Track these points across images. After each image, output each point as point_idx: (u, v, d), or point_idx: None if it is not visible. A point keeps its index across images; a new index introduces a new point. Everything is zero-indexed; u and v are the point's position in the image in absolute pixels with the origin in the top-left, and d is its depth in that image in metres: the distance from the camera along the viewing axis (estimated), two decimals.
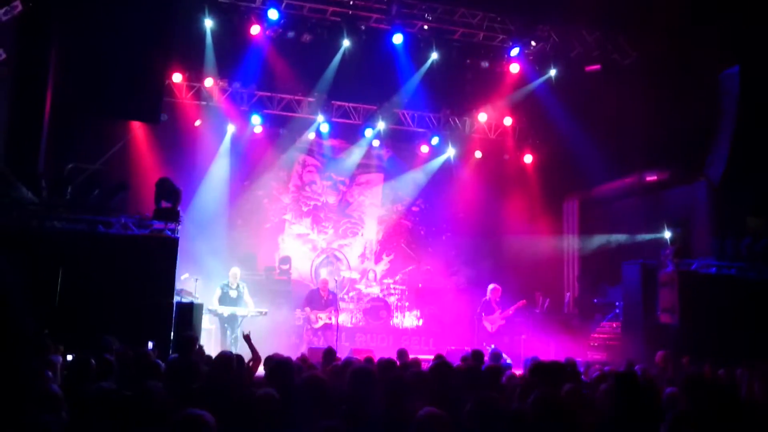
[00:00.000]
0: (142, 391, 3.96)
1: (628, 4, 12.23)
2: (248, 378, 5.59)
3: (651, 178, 14.15)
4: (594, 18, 13.30)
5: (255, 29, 13.25)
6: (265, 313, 11.62)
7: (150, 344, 7.63)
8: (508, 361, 9.89)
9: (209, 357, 6.75)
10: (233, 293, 11.52)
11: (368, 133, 15.60)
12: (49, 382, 4.21)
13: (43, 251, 8.70)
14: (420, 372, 5.77)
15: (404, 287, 14.99)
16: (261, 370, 6.51)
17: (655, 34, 12.56)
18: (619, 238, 14.20)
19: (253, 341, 7.05)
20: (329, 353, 6.88)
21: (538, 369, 4.91)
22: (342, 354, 10.66)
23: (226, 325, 11.36)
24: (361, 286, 14.74)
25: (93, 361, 4.95)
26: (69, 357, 5.50)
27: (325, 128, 15.28)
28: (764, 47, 11.83)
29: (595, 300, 14.75)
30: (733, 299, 10.97)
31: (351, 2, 13.23)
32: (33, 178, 9.78)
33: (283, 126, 15.13)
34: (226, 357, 4.93)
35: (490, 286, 12.69)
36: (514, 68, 14.67)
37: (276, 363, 4.56)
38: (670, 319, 11.17)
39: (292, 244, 15.63)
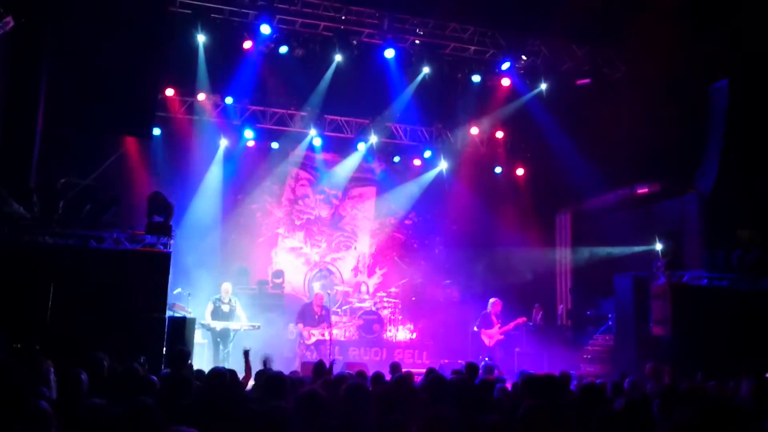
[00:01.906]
0: (132, 407, 3.94)
1: (617, 19, 12.35)
2: (239, 392, 5.58)
3: (642, 190, 14.23)
4: (583, 32, 13.42)
5: (247, 44, 13.28)
6: (258, 327, 11.59)
7: (141, 359, 7.58)
8: (502, 375, 9.89)
9: (200, 372, 6.73)
10: (225, 307, 11.50)
11: (361, 146, 15.64)
12: (38, 399, 4.18)
13: (34, 266, 8.67)
14: (412, 386, 5.76)
15: (397, 300, 14.96)
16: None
17: (644, 48, 12.68)
18: (611, 250, 14.24)
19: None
20: (319, 367, 6.85)
21: (527, 382, 4.91)
22: (335, 368, 10.67)
23: (218, 339, 11.32)
24: (354, 300, 14.71)
25: (83, 376, 4.93)
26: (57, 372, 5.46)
27: (317, 142, 15.32)
28: (752, 61, 11.97)
29: (588, 312, 14.77)
30: (724, 311, 11.01)
31: (343, 17, 13.32)
32: (25, 193, 9.75)
33: (275, 140, 15.17)
34: (219, 372, 4.91)
35: (491, 300, 12.65)
36: (505, 82, 14.77)
37: (267, 378, 4.56)
38: (663, 331, 11.19)
39: (285, 258, 15.62)
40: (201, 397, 4.70)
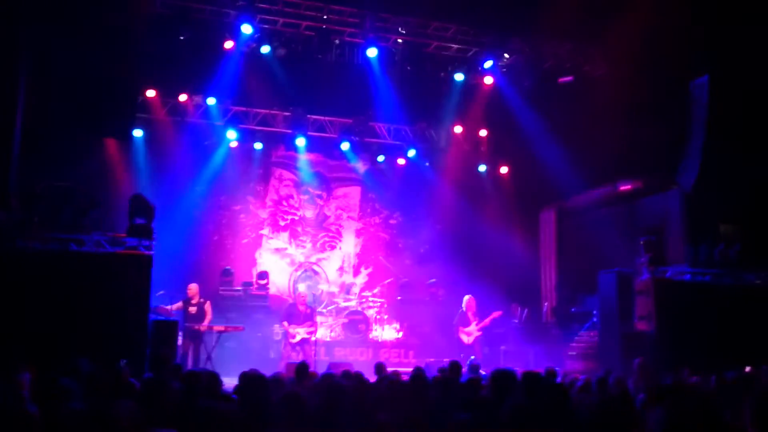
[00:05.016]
0: (112, 410, 3.89)
1: (598, 17, 12.39)
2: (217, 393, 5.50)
3: (625, 187, 14.30)
4: (565, 30, 13.45)
5: (229, 44, 13.21)
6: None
7: (122, 362, 7.52)
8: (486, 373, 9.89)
9: (183, 374, 6.68)
10: (192, 309, 11.47)
11: (345, 146, 15.60)
12: (25, 403, 4.12)
13: (14, 270, 8.57)
14: (396, 385, 5.75)
15: (383, 300, 14.95)
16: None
17: (625, 45, 12.73)
18: (595, 247, 14.29)
19: (230, 357, 7.02)
20: (302, 368, 6.81)
21: (498, 378, 4.91)
22: (321, 368, 10.64)
23: (199, 341, 11.27)
24: (340, 300, 14.68)
25: (62, 381, 4.86)
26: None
27: (301, 142, 15.25)
28: (732, 56, 12.06)
29: (573, 309, 14.83)
30: (707, 305, 11.12)
31: (325, 16, 13.26)
32: (4, 196, 9.65)
33: (258, 140, 15.11)
34: (194, 374, 4.87)
35: (466, 297, 12.66)
36: (488, 80, 14.79)
37: (249, 379, 4.52)
38: (647, 327, 11.26)
39: (269, 259, 15.56)
40: (180, 399, 4.67)
